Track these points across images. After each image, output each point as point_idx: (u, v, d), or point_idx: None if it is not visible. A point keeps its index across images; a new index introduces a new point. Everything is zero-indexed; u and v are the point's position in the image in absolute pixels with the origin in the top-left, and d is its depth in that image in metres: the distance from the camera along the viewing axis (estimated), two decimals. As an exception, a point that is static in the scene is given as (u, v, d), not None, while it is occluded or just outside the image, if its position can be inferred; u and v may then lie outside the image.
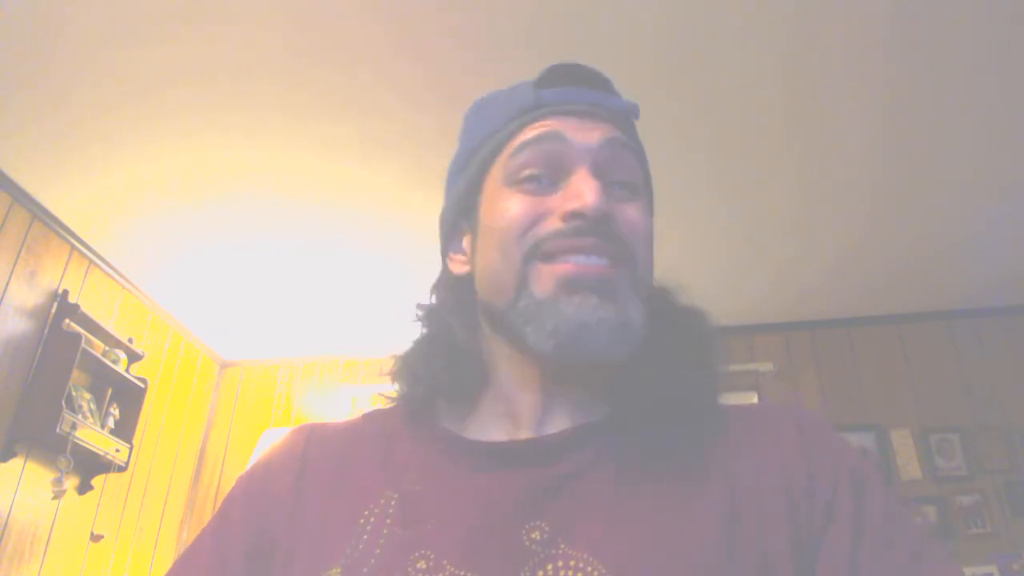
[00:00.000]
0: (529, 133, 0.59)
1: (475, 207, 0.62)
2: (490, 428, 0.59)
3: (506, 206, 0.57)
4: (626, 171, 0.60)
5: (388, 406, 0.67)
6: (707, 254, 2.85)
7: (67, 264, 2.68)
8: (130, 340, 2.88)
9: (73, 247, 2.70)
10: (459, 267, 0.64)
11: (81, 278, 2.75)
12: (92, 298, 2.78)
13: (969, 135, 2.22)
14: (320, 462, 0.61)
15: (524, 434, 0.58)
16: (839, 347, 3.26)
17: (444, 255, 0.67)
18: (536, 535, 0.50)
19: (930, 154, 2.30)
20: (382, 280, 2.93)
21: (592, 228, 0.54)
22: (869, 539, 0.50)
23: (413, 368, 0.63)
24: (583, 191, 0.54)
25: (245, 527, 0.58)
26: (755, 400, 3.16)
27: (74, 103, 2.08)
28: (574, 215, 0.54)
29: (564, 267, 0.54)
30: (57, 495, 2.49)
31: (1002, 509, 2.83)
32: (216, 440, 3.52)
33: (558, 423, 0.58)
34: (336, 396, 3.48)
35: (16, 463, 2.40)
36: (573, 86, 0.62)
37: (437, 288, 0.68)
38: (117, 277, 2.92)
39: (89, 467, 2.67)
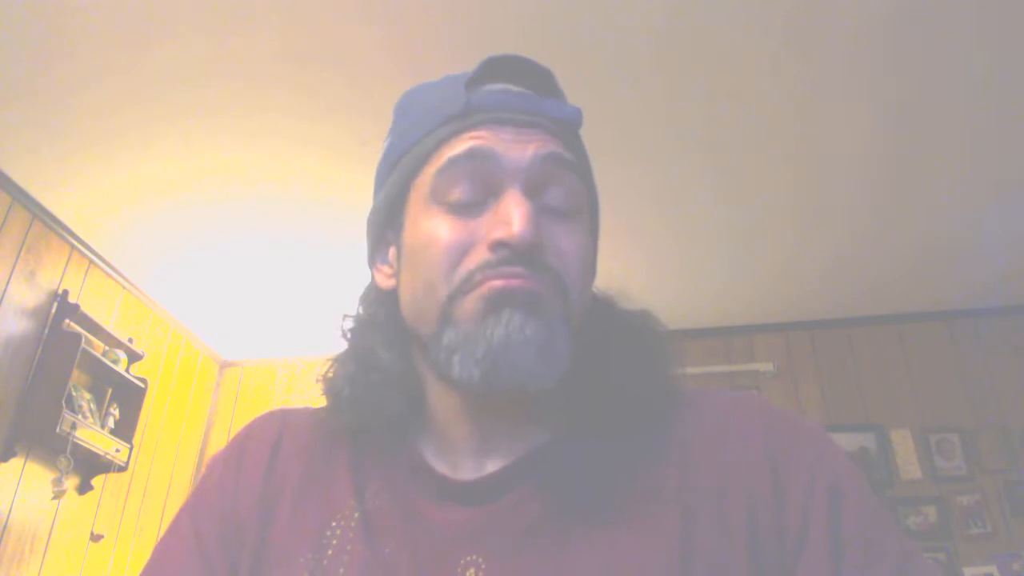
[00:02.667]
0: (457, 147, 0.54)
1: (400, 219, 0.58)
2: (435, 456, 0.58)
3: (432, 230, 0.53)
4: (563, 189, 0.55)
5: None
6: (707, 254, 2.85)
7: (67, 264, 2.68)
8: (130, 340, 2.88)
9: (73, 247, 2.70)
10: (385, 280, 0.61)
11: (81, 278, 2.75)
12: (92, 298, 2.78)
13: (969, 135, 2.22)
14: (291, 455, 0.60)
15: (464, 468, 0.56)
16: (839, 347, 3.26)
17: (371, 264, 0.63)
18: (471, 572, 0.50)
19: (930, 154, 2.30)
20: (382, 280, 2.92)
21: (519, 258, 0.50)
22: (849, 560, 0.48)
23: (338, 391, 0.60)
24: (511, 217, 0.50)
25: (218, 510, 0.58)
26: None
27: (75, 104, 2.08)
28: (500, 244, 0.51)
29: (492, 283, 0.50)
30: (57, 495, 2.49)
31: (1002, 509, 2.83)
32: (216, 440, 3.51)
33: (497, 454, 0.56)
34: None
35: (16, 463, 2.40)
36: (508, 86, 0.57)
37: (365, 300, 0.65)
38: (117, 277, 2.92)
39: (89, 467, 2.67)
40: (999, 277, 2.97)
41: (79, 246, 2.71)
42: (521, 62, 0.57)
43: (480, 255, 0.52)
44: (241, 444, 0.63)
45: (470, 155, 0.53)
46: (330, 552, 0.53)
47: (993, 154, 2.30)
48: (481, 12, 1.80)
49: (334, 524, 0.55)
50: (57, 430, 2.39)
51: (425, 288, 0.54)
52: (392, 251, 0.60)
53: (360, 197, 2.47)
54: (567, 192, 0.55)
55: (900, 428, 3.03)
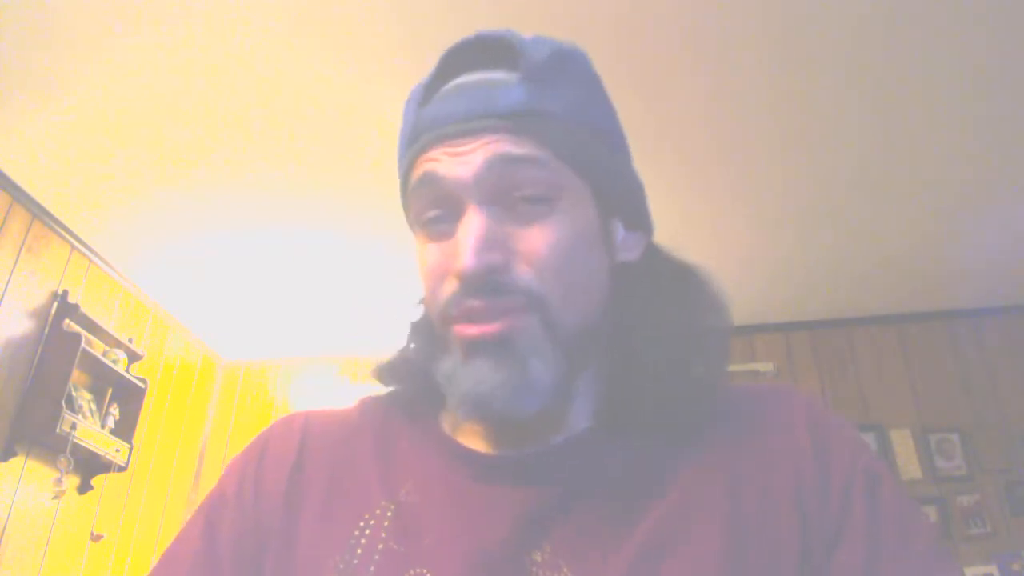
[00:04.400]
0: (414, 175, 0.55)
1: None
2: (472, 439, 0.57)
3: (422, 254, 0.55)
4: (527, 184, 0.52)
5: (383, 394, 0.65)
6: (707, 254, 2.83)
7: (67, 264, 2.68)
8: (130, 340, 2.88)
9: (73, 247, 2.70)
10: None
11: (81, 278, 2.75)
12: (92, 298, 2.78)
13: (969, 135, 2.22)
14: (318, 455, 0.59)
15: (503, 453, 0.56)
16: (839, 347, 3.26)
17: None
18: (538, 556, 0.49)
19: (930, 154, 2.30)
20: (383, 279, 2.93)
21: (477, 290, 0.50)
22: (885, 545, 0.50)
23: (393, 372, 0.64)
24: (462, 248, 0.50)
25: (237, 512, 0.57)
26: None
27: (74, 103, 2.08)
28: (458, 277, 0.51)
29: (464, 330, 0.51)
30: (57, 495, 2.49)
31: (1002, 509, 2.83)
32: (216, 440, 3.52)
33: (533, 445, 0.55)
34: (336, 395, 3.48)
35: (16, 463, 2.40)
36: (459, 81, 0.55)
37: None
38: (117, 277, 2.92)
39: (89, 467, 2.67)
40: (999, 277, 2.97)
41: (79, 246, 2.71)
42: (468, 53, 0.56)
43: (451, 285, 0.52)
44: (262, 446, 0.61)
45: (422, 182, 0.54)
46: (359, 552, 0.52)
47: (993, 154, 2.30)
48: (486, 8, 1.80)
49: (362, 524, 0.54)
50: (57, 430, 2.39)
51: (428, 306, 0.57)
52: None
53: (361, 198, 2.47)
54: (532, 185, 0.52)
55: (900, 428, 3.03)
